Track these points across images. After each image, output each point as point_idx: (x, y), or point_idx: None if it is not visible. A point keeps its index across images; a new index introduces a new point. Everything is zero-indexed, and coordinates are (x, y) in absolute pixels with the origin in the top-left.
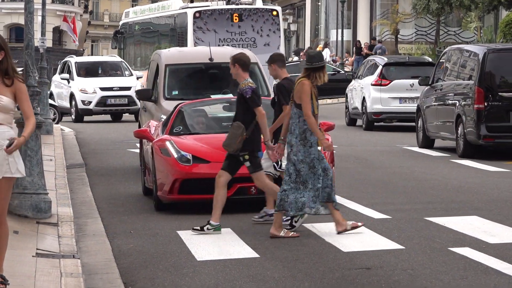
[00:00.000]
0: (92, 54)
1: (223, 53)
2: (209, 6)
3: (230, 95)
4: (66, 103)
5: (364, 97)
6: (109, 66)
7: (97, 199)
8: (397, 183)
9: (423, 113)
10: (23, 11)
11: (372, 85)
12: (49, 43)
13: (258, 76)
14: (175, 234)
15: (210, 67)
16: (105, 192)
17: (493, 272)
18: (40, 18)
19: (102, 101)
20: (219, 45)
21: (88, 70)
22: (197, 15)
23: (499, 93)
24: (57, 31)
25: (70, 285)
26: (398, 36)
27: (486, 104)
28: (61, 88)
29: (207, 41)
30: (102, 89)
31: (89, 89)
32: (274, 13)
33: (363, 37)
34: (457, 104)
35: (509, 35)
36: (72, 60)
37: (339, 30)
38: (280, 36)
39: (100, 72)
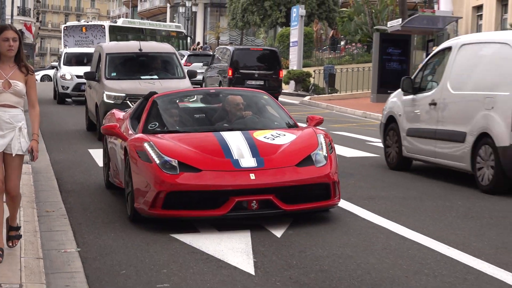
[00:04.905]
0: (40, 48)
1: (149, 45)
2: (73, 23)
3: (156, 76)
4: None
5: None
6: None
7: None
8: None
9: (205, 82)
10: None
11: None
12: None
13: (175, 62)
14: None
15: (140, 55)
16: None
17: None
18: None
19: (77, 87)
20: (75, 45)
21: (77, 60)
22: (65, 28)
23: (240, 70)
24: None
25: None
26: (219, 41)
27: (233, 76)
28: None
29: (70, 42)
30: (78, 76)
31: (67, 77)
32: (103, 27)
33: (201, 41)
34: (220, 76)
35: (282, 42)
36: (64, 51)
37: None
38: (105, 41)
39: (85, 61)
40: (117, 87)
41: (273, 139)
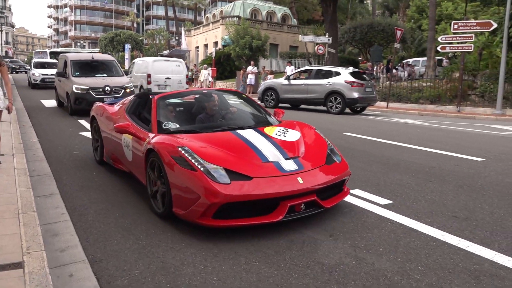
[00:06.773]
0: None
1: (98, 55)
2: (37, 50)
3: (105, 75)
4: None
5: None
6: (52, 63)
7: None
8: None
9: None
10: None
11: None
12: None
13: (115, 66)
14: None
15: (93, 61)
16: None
17: None
18: None
19: (42, 80)
20: (38, 58)
21: (41, 65)
22: (34, 52)
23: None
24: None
25: None
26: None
27: None
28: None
29: (36, 58)
30: (43, 74)
31: (36, 74)
32: (47, 52)
33: None
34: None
35: (122, 59)
36: (33, 60)
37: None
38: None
39: (46, 66)
40: (81, 82)
41: (284, 136)
